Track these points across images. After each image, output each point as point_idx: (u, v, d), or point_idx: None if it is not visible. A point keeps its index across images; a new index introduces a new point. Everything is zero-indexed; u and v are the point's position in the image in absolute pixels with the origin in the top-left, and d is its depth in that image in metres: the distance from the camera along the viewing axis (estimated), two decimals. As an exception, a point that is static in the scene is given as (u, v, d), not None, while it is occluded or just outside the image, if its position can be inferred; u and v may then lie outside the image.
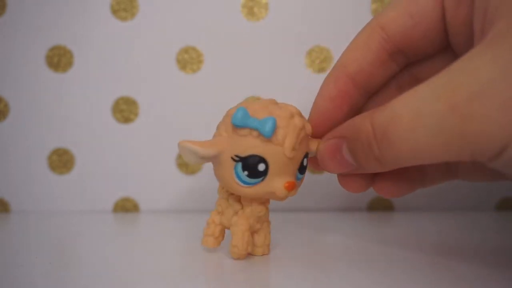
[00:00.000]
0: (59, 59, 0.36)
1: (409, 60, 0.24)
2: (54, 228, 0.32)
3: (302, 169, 0.23)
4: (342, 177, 0.24)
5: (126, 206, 0.37)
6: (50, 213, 0.35)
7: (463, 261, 0.24)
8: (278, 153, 0.22)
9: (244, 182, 0.23)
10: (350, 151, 0.21)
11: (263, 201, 0.24)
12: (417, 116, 0.18)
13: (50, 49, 0.36)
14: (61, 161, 0.36)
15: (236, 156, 0.22)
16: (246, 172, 0.22)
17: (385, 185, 0.24)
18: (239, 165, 0.22)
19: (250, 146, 0.22)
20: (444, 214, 0.35)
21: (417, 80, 0.24)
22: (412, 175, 0.24)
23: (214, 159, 0.23)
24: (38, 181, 0.36)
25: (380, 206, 0.37)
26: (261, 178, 0.23)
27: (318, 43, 0.36)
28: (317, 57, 0.36)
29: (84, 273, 0.22)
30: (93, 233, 0.31)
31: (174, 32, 0.36)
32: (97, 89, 0.36)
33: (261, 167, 0.22)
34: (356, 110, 0.25)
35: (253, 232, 0.25)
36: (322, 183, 0.37)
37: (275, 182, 0.23)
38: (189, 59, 0.36)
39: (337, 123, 0.23)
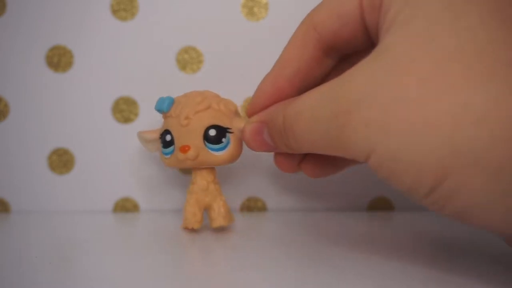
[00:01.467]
0: (59, 59, 0.36)
1: (343, 54, 0.25)
2: (54, 228, 0.32)
3: (210, 139, 0.28)
4: (276, 158, 0.28)
5: (126, 206, 0.37)
6: (50, 213, 0.35)
7: (463, 261, 0.24)
8: (176, 124, 0.28)
9: (165, 153, 0.30)
10: (269, 134, 0.25)
11: (205, 177, 0.30)
12: (312, 118, 0.21)
13: (50, 49, 0.36)
14: (61, 161, 0.36)
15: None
16: (162, 144, 0.30)
17: (309, 166, 0.28)
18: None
19: (164, 124, 0.30)
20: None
21: None
22: (332, 158, 0.27)
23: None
24: (38, 181, 0.36)
25: (380, 206, 0.37)
26: (171, 148, 0.29)
27: (318, 43, 0.36)
28: (317, 57, 0.36)
29: (84, 273, 0.22)
30: (93, 233, 0.31)
31: (174, 32, 0.36)
32: (97, 89, 0.36)
33: (168, 137, 0.29)
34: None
35: (206, 206, 0.29)
36: (322, 183, 0.37)
37: (176, 149, 0.29)
38: (189, 59, 0.36)
39: None
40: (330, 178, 0.36)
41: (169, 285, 0.21)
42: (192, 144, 0.28)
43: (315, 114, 0.21)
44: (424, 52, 0.18)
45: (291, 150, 0.23)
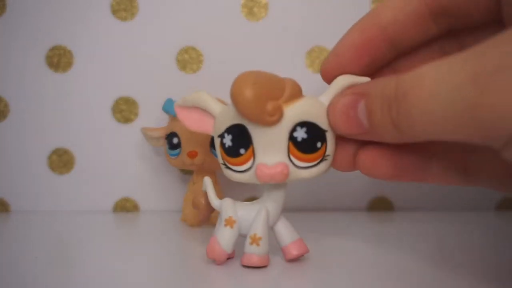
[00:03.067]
0: (59, 59, 0.36)
1: (451, 26, 0.21)
2: (54, 228, 0.32)
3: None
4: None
5: (126, 206, 0.36)
6: (50, 213, 0.35)
7: (463, 261, 0.24)
8: (184, 128, 0.27)
9: (170, 154, 0.30)
10: (367, 109, 0.19)
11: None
12: (438, 83, 0.16)
13: (50, 49, 0.36)
14: (61, 161, 0.36)
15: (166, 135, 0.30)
16: (167, 145, 0.30)
17: (370, 157, 0.21)
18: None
19: (170, 125, 0.30)
20: (444, 214, 0.35)
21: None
22: (418, 155, 0.22)
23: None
24: (38, 181, 0.36)
25: (380, 206, 0.37)
26: (178, 150, 0.30)
27: (318, 43, 0.36)
28: (317, 57, 0.36)
29: (84, 273, 0.22)
30: (93, 233, 0.31)
31: (174, 32, 0.36)
32: (97, 89, 0.36)
33: (175, 140, 0.30)
34: (379, 66, 0.22)
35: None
36: (322, 183, 0.37)
37: (183, 152, 0.29)
38: (189, 59, 0.36)
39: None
40: (330, 178, 0.37)
41: (169, 285, 0.21)
42: (199, 150, 0.29)
43: (443, 76, 0.16)
44: None
45: (395, 130, 0.18)
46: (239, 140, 0.21)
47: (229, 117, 0.21)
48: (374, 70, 0.22)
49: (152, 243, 0.28)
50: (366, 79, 0.21)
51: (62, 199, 0.36)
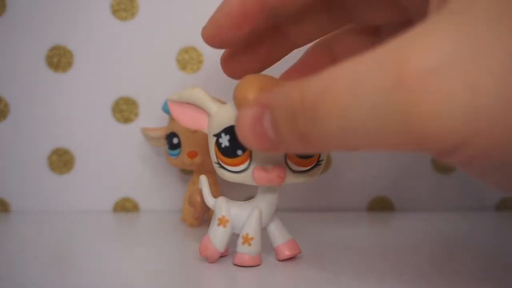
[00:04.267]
0: (59, 59, 0.36)
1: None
2: (54, 228, 0.32)
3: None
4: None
5: (126, 206, 0.36)
6: (50, 213, 0.35)
7: (463, 261, 0.24)
8: (184, 129, 0.28)
9: (170, 154, 0.31)
10: (272, 122, 0.17)
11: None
12: (353, 89, 0.14)
13: (50, 49, 0.36)
14: (61, 161, 0.36)
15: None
16: (167, 146, 0.30)
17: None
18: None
19: (170, 125, 0.30)
20: (444, 214, 0.35)
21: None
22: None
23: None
24: (38, 181, 0.36)
25: (380, 206, 0.37)
26: (177, 150, 0.30)
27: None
28: (317, 57, 0.36)
29: (84, 273, 0.22)
30: (93, 233, 0.31)
31: (174, 32, 0.36)
32: (97, 89, 0.36)
33: (175, 140, 0.30)
34: (262, 33, 0.22)
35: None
36: (322, 183, 0.37)
37: (183, 152, 0.29)
38: (189, 59, 0.36)
39: (234, 43, 0.22)
40: (330, 178, 0.37)
41: (168, 285, 0.21)
42: (199, 150, 0.29)
43: (357, 84, 0.14)
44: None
45: (304, 144, 0.16)
46: (237, 141, 0.21)
47: (228, 118, 0.21)
48: (258, 36, 0.22)
49: (152, 243, 0.28)
50: None
51: (62, 199, 0.36)
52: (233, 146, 0.21)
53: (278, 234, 0.24)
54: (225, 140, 0.21)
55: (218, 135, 0.22)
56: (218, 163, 0.22)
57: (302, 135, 0.16)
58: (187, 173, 0.36)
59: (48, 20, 0.35)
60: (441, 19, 0.13)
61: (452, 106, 0.12)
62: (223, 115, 0.22)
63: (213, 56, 0.36)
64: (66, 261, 0.25)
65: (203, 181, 0.24)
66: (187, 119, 0.23)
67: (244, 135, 0.18)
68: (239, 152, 0.21)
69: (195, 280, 0.22)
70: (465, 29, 0.13)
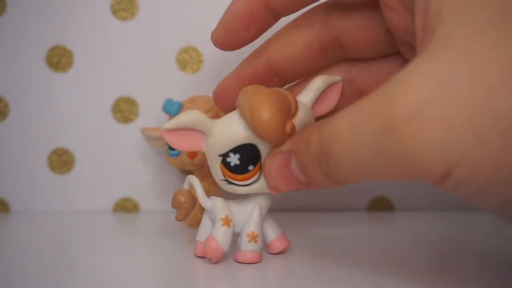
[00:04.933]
0: (59, 59, 0.36)
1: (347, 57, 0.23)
2: (54, 228, 0.32)
3: None
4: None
5: (126, 206, 0.36)
6: (50, 213, 0.35)
7: (463, 261, 0.24)
8: None
9: (170, 154, 0.30)
10: (300, 166, 0.19)
11: (206, 179, 0.29)
12: (356, 133, 0.16)
13: (50, 49, 0.36)
14: (61, 161, 0.36)
15: None
16: (167, 146, 0.30)
17: None
18: None
19: None
20: (444, 214, 0.35)
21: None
22: None
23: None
24: (38, 181, 0.36)
25: (380, 206, 0.37)
26: (177, 150, 0.29)
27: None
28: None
29: (84, 273, 0.22)
30: (93, 233, 0.31)
31: (174, 32, 0.36)
32: (97, 89, 0.36)
33: None
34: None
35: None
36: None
37: (183, 152, 0.29)
38: (189, 59, 0.36)
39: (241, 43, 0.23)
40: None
41: (168, 285, 0.21)
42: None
43: (358, 127, 0.16)
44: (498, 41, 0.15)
45: (332, 181, 0.18)
46: (249, 158, 0.21)
47: (236, 137, 0.21)
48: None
49: (152, 243, 0.28)
50: (338, 78, 0.24)
51: (62, 199, 0.36)
52: (243, 164, 0.21)
53: (271, 230, 0.24)
54: (234, 159, 0.21)
55: (224, 155, 0.21)
56: (226, 180, 0.22)
57: (327, 173, 0.18)
58: (187, 173, 0.36)
59: (48, 20, 0.35)
60: (422, 61, 0.15)
61: (431, 144, 0.14)
62: (229, 135, 0.21)
63: (213, 56, 0.36)
64: (66, 261, 0.25)
65: (195, 182, 0.24)
66: (184, 143, 0.22)
67: (275, 183, 0.21)
68: (250, 167, 0.21)
69: (195, 280, 0.22)
70: (442, 70, 0.15)
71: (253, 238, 0.23)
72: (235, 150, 0.21)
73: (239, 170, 0.21)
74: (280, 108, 0.20)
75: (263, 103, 0.20)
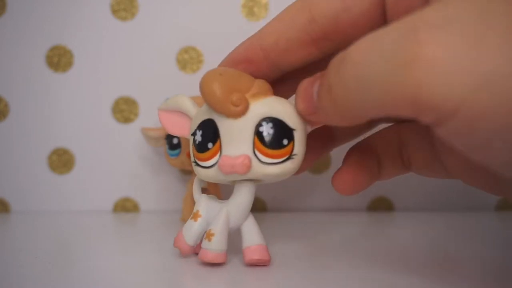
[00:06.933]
0: (59, 59, 0.36)
1: (338, 47, 0.21)
2: (54, 228, 0.32)
3: None
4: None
5: (126, 206, 0.37)
6: (50, 213, 0.35)
7: (463, 261, 0.24)
8: None
9: (170, 154, 0.30)
10: (318, 87, 0.19)
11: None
12: (365, 53, 0.16)
13: (50, 49, 0.36)
14: (61, 161, 0.36)
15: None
16: (167, 146, 0.30)
17: (344, 177, 0.23)
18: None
19: None
20: (444, 214, 0.35)
21: None
22: (369, 164, 0.23)
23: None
24: (38, 181, 0.36)
25: (380, 206, 0.37)
26: (177, 150, 0.30)
27: (318, 43, 0.36)
28: (317, 57, 0.36)
29: (84, 273, 0.22)
30: (93, 233, 0.31)
31: (174, 32, 0.36)
32: (97, 89, 0.36)
33: (175, 141, 0.30)
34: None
35: None
36: (322, 183, 0.37)
37: (183, 152, 0.29)
38: (189, 59, 0.36)
39: None
40: (330, 178, 0.36)
41: (168, 285, 0.21)
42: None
43: (368, 48, 0.16)
44: None
45: (334, 109, 0.18)
46: (208, 134, 0.21)
47: (202, 114, 0.22)
48: None
49: (152, 243, 0.28)
50: None
51: (62, 199, 0.36)
52: (204, 140, 0.21)
53: (248, 237, 0.23)
54: (198, 136, 0.22)
55: (194, 134, 0.22)
56: (195, 162, 0.22)
57: (331, 98, 0.18)
58: (187, 173, 0.36)
59: (48, 20, 0.35)
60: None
61: (454, 57, 0.13)
62: (199, 113, 0.22)
63: (213, 56, 0.36)
64: (66, 261, 0.25)
65: (195, 178, 0.25)
66: (172, 126, 0.23)
67: (297, 97, 0.21)
68: (210, 145, 0.21)
69: (195, 280, 0.22)
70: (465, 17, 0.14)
71: (208, 236, 0.22)
72: (199, 127, 0.22)
73: (201, 147, 0.22)
74: (223, 74, 0.21)
75: (209, 72, 0.21)
